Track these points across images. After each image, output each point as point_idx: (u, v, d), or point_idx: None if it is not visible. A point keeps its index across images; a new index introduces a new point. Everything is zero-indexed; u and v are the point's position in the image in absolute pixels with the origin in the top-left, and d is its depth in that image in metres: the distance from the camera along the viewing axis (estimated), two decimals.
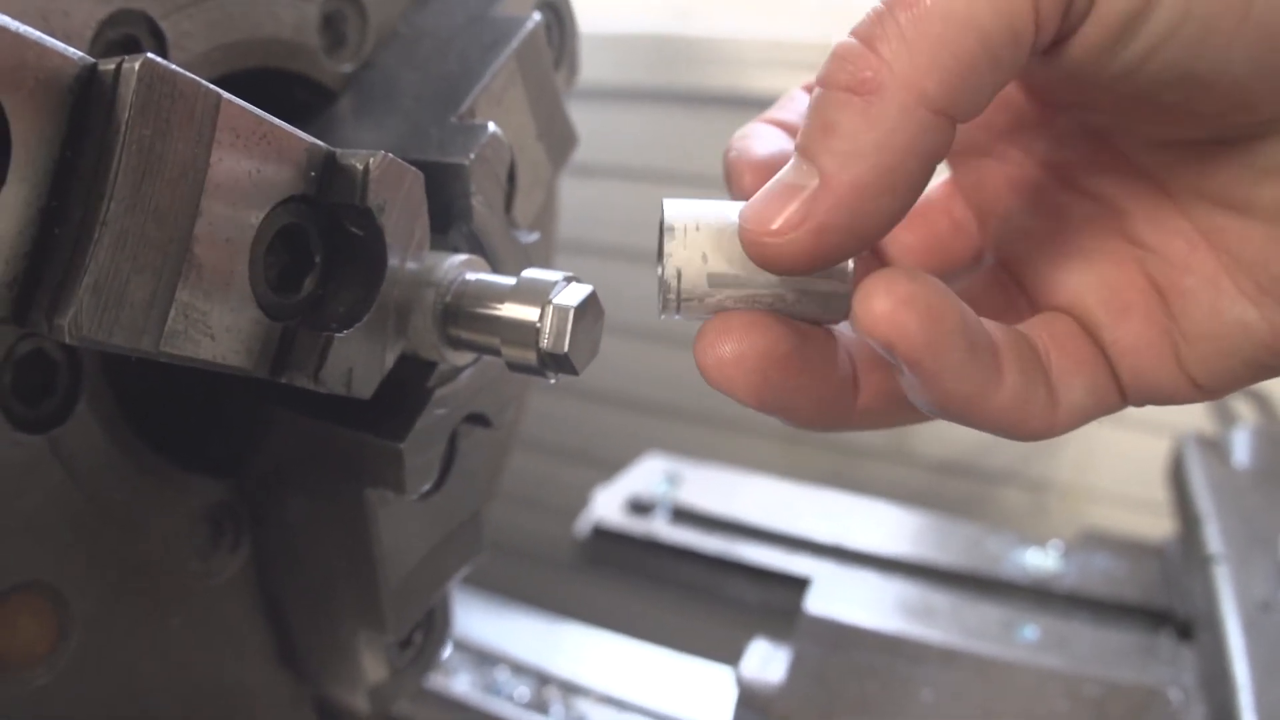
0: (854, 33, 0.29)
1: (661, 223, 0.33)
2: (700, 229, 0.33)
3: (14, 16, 0.32)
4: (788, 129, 0.39)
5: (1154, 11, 0.27)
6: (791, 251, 0.30)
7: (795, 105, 0.40)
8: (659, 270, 0.34)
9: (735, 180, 0.38)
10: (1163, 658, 0.80)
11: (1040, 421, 0.33)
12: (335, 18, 0.52)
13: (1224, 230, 0.32)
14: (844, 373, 0.36)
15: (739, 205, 0.32)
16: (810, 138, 0.29)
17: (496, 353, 0.41)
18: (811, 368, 0.34)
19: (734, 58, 1.34)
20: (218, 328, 0.37)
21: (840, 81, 0.29)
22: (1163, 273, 0.34)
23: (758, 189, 0.32)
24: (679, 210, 0.33)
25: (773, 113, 0.40)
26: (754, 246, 0.31)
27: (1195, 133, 0.32)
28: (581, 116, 0.56)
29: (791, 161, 0.30)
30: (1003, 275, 0.40)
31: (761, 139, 0.38)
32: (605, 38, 1.37)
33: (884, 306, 0.30)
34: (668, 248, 0.33)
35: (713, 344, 0.32)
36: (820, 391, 0.35)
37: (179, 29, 0.45)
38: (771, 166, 0.35)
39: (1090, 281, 0.36)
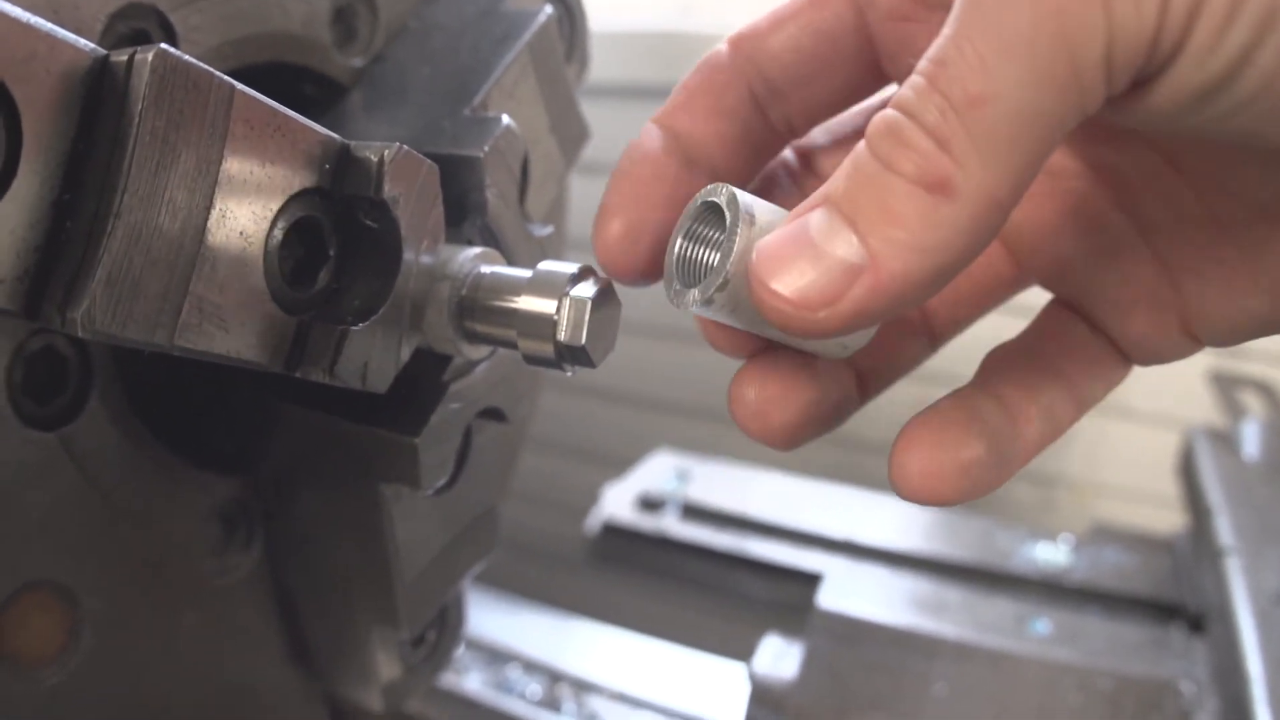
0: (912, 116, 0.27)
1: (728, 207, 0.32)
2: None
3: (25, 8, 0.32)
4: (677, 134, 0.37)
5: (1233, 84, 0.26)
6: (816, 327, 0.29)
7: (701, 90, 0.38)
8: (693, 252, 0.34)
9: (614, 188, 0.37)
10: (1175, 651, 0.80)
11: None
12: (346, 12, 0.52)
13: (1244, 225, 0.32)
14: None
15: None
16: (860, 211, 0.28)
17: (513, 345, 0.41)
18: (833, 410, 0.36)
19: None
20: (232, 321, 0.37)
21: (907, 171, 0.27)
22: (1177, 256, 0.35)
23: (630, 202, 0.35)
24: (749, 203, 0.32)
25: (666, 113, 0.38)
26: (774, 313, 0.29)
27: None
28: (587, 114, 0.56)
29: (826, 222, 0.28)
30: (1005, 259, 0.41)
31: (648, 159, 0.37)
32: (607, 35, 1.37)
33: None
34: (739, 238, 0.31)
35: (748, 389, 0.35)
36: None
37: (189, 23, 0.45)
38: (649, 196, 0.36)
39: (1102, 281, 0.36)
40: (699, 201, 0.33)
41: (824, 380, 0.36)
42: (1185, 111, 0.27)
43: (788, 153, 0.42)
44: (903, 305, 0.28)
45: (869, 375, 0.39)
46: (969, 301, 0.41)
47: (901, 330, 0.40)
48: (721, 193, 0.32)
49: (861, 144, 0.29)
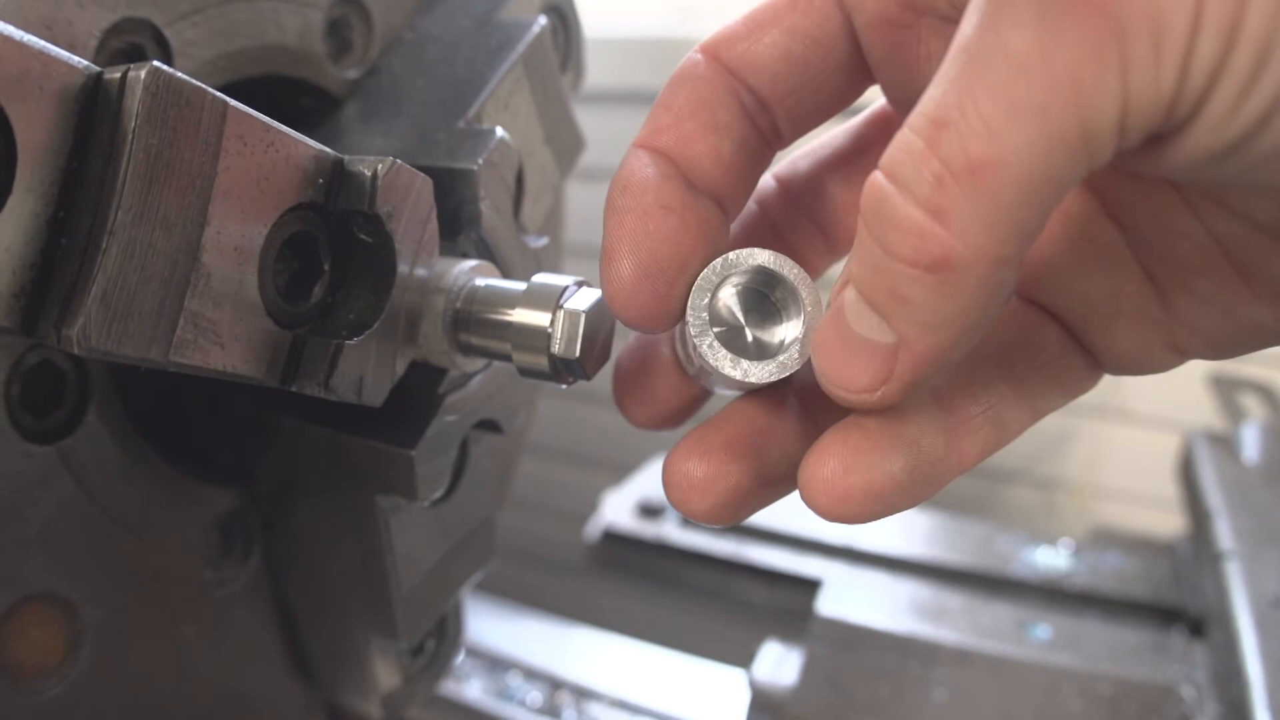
0: (903, 187, 0.26)
1: (803, 290, 0.33)
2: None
3: (18, 25, 0.32)
4: (673, 157, 0.35)
5: (1251, 145, 0.25)
6: (879, 405, 0.30)
7: (680, 105, 0.36)
8: (739, 312, 0.34)
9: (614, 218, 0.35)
10: (1174, 655, 0.79)
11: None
12: (340, 24, 0.52)
13: (1243, 241, 0.31)
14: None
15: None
16: (880, 300, 0.28)
17: (508, 358, 0.41)
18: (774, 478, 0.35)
19: None
20: (227, 336, 0.37)
21: (906, 257, 0.26)
22: (1167, 272, 0.34)
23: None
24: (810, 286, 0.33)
25: (654, 133, 0.36)
26: (843, 402, 0.30)
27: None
28: (584, 120, 0.56)
29: (855, 307, 0.29)
30: None
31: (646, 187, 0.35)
32: (606, 41, 1.37)
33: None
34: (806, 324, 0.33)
35: (683, 461, 0.34)
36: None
37: (183, 37, 0.45)
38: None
39: (1087, 292, 0.35)
40: (751, 262, 0.33)
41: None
42: (1198, 167, 0.27)
43: (768, 180, 0.41)
44: (945, 367, 0.29)
45: None
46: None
47: None
48: (784, 265, 0.33)
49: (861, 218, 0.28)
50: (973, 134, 0.25)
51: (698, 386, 0.39)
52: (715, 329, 0.33)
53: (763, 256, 0.33)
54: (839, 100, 0.38)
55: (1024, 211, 0.25)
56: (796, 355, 0.32)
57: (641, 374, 0.39)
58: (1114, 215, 0.35)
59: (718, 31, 0.36)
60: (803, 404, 0.36)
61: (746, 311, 0.34)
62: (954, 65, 0.26)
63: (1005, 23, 0.25)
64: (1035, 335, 0.36)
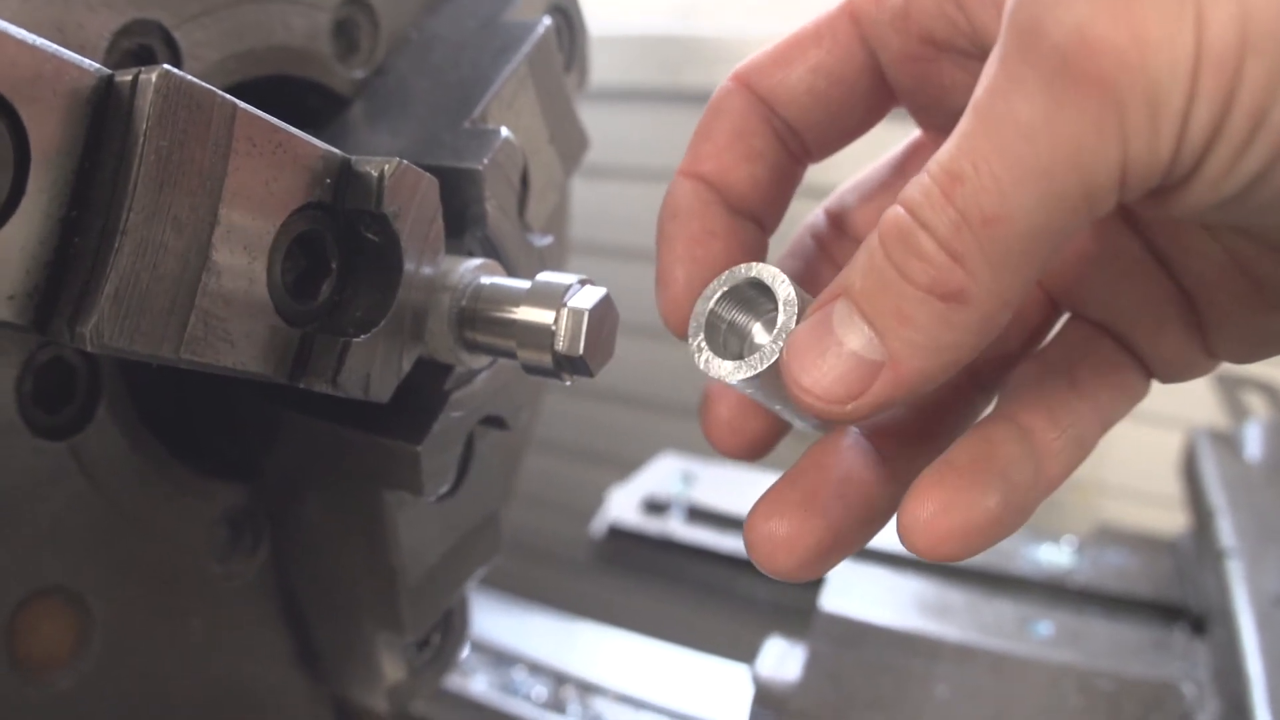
0: (925, 225, 0.28)
1: (782, 301, 0.33)
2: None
3: (29, 28, 0.32)
4: (715, 184, 0.38)
5: (1249, 198, 0.27)
6: (845, 417, 0.31)
7: (723, 128, 0.38)
8: (728, 321, 0.35)
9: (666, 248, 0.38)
10: (1176, 652, 0.80)
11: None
12: (347, 24, 0.53)
13: (1256, 258, 0.33)
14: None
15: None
16: (880, 316, 0.29)
17: (512, 356, 0.41)
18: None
19: (737, 57, 1.33)
20: (237, 334, 0.37)
21: (920, 280, 0.29)
22: (1195, 287, 0.35)
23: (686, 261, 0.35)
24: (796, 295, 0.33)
25: (696, 161, 0.38)
26: (807, 406, 0.31)
27: None
28: (587, 117, 0.56)
29: (846, 317, 0.30)
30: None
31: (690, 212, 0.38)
32: (609, 39, 1.37)
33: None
34: (782, 328, 0.32)
35: (764, 522, 0.34)
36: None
37: (192, 38, 0.46)
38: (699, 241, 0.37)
39: (1128, 303, 0.37)
40: (745, 274, 0.34)
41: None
42: (1199, 216, 0.28)
43: (819, 214, 0.42)
44: (917, 395, 0.30)
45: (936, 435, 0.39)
46: (1015, 350, 0.40)
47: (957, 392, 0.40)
48: (773, 277, 0.33)
49: (874, 238, 0.30)
50: (985, 192, 0.27)
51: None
52: (728, 337, 0.35)
53: (756, 269, 0.34)
54: (863, 125, 0.40)
55: (1028, 259, 0.28)
56: (759, 358, 0.33)
57: (722, 402, 0.40)
58: (1140, 234, 0.36)
59: (748, 61, 0.38)
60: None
61: (751, 322, 0.35)
62: (969, 123, 0.28)
63: (1015, 94, 0.27)
64: (1094, 348, 0.37)
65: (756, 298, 0.35)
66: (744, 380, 0.33)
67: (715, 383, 0.37)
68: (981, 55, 0.29)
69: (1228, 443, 0.97)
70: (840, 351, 0.30)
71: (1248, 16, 0.24)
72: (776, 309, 0.33)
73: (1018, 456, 0.33)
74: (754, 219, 0.39)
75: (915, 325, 0.29)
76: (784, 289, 0.33)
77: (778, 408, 0.36)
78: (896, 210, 0.29)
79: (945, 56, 0.36)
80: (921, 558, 0.32)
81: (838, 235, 0.42)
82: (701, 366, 0.34)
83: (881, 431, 0.37)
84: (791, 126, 0.38)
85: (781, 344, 0.32)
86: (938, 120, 0.39)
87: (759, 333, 0.35)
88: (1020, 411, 0.34)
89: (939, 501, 0.31)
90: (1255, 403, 1.10)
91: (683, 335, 0.36)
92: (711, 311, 0.34)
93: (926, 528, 0.31)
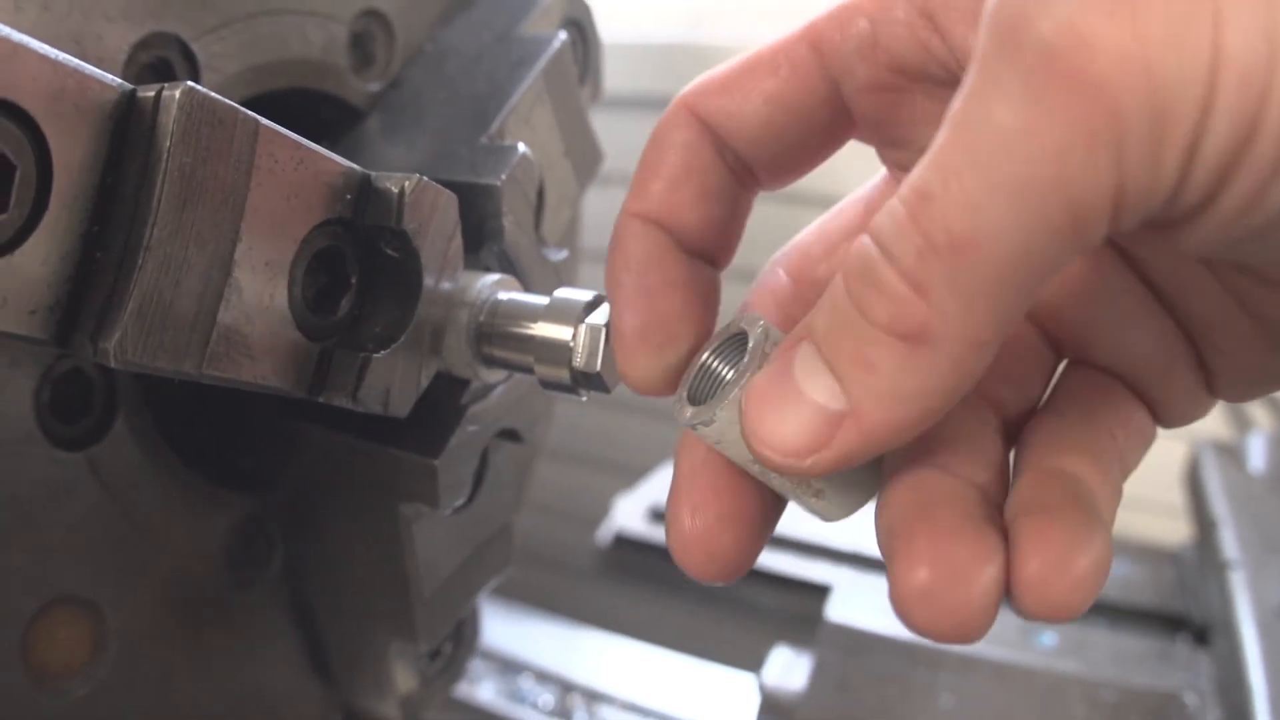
0: (888, 254, 0.25)
1: (750, 342, 0.31)
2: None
3: (48, 40, 0.32)
4: (666, 226, 0.35)
5: (1276, 234, 0.24)
6: (804, 473, 0.28)
7: (666, 165, 0.35)
8: (712, 372, 0.33)
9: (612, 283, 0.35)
10: (1179, 663, 0.80)
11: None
12: (363, 37, 0.53)
13: (1258, 297, 0.30)
14: None
15: None
16: (838, 358, 0.27)
17: (529, 371, 0.42)
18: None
19: None
20: (258, 349, 0.37)
21: (880, 319, 0.25)
22: (1197, 328, 0.33)
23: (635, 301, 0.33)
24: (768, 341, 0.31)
25: (644, 201, 0.35)
26: (765, 460, 0.28)
27: None
28: (597, 125, 0.56)
29: (808, 363, 0.27)
30: (1027, 326, 0.37)
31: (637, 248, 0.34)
32: (617, 47, 1.37)
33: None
34: (738, 380, 0.31)
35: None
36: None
37: (210, 51, 0.46)
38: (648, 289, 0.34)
39: (1138, 346, 0.34)
40: (735, 326, 0.33)
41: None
42: (1207, 253, 0.26)
43: (778, 275, 0.39)
44: (888, 448, 0.27)
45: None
46: (1025, 385, 0.37)
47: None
48: (751, 323, 0.32)
49: (839, 277, 0.27)
50: (954, 210, 0.24)
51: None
52: (712, 389, 0.33)
53: (744, 321, 0.32)
54: (820, 156, 0.37)
55: (1005, 292, 0.24)
56: (714, 403, 0.31)
57: (691, 511, 0.34)
58: (1138, 272, 0.34)
59: (695, 85, 0.35)
60: None
61: (732, 373, 0.33)
62: (942, 137, 0.24)
63: (993, 97, 0.23)
64: (1108, 395, 0.35)
65: (743, 349, 0.33)
66: (703, 426, 0.31)
67: (681, 471, 0.34)
68: (957, 83, 0.25)
69: (1231, 454, 0.98)
70: (800, 400, 0.27)
71: (1276, 21, 0.21)
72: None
73: (1094, 494, 0.30)
74: (707, 258, 0.36)
75: (876, 370, 0.25)
76: (756, 333, 0.31)
77: (756, 469, 0.33)
78: (862, 240, 0.26)
79: (917, 87, 0.33)
80: (1043, 619, 0.27)
81: (798, 298, 0.38)
82: (673, 415, 0.32)
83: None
84: (741, 157, 0.35)
85: (740, 389, 0.30)
86: (906, 157, 0.36)
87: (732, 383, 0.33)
88: (1063, 458, 0.31)
89: (1055, 548, 0.27)
90: (1259, 415, 1.10)
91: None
92: (701, 364, 0.33)
93: (1046, 581, 0.27)
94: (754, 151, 0.35)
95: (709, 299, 0.35)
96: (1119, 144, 0.22)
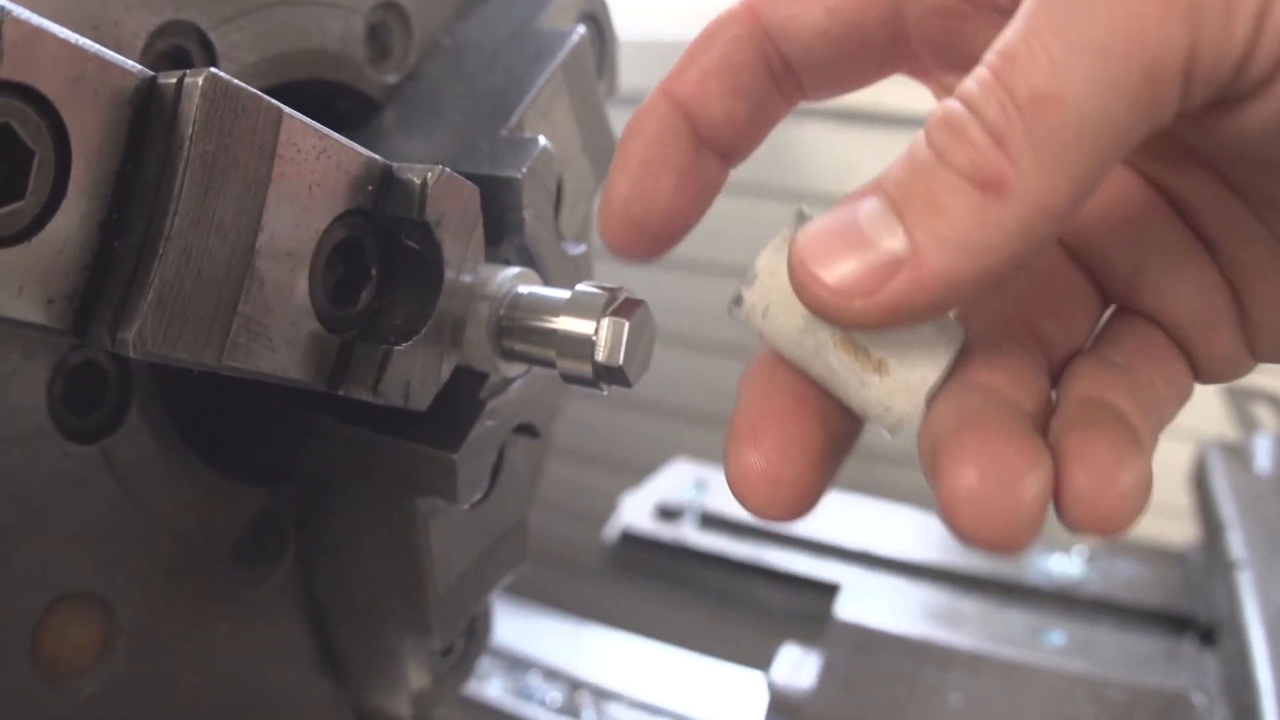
0: (973, 109, 0.26)
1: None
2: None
3: (66, 25, 0.32)
4: (689, 112, 0.35)
5: None
6: (851, 317, 0.28)
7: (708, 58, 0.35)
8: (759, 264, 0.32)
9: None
10: (1186, 663, 0.80)
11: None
12: (380, 29, 0.52)
13: None
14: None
15: None
16: (909, 201, 0.27)
17: (551, 365, 0.41)
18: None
19: None
20: (278, 340, 0.37)
21: (959, 164, 0.26)
22: (1239, 276, 0.33)
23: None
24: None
25: (677, 83, 0.35)
26: (809, 295, 0.28)
27: None
28: (611, 122, 0.56)
29: (876, 210, 0.27)
30: (1075, 270, 0.38)
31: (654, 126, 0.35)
32: (629, 43, 1.37)
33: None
34: (779, 237, 0.31)
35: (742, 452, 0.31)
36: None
37: (228, 40, 0.45)
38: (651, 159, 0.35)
39: (1184, 295, 0.34)
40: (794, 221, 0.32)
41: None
42: (1269, 146, 0.26)
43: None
44: (943, 306, 0.27)
45: None
46: (1071, 325, 0.37)
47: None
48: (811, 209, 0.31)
49: (920, 133, 0.27)
50: (1037, 67, 0.25)
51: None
52: None
53: (804, 208, 0.32)
54: (870, 77, 0.37)
55: (1081, 156, 0.25)
56: (765, 252, 0.31)
57: (753, 443, 0.32)
58: (1187, 220, 0.34)
59: None
60: None
61: None
62: (1027, 5, 0.26)
63: None
64: (1151, 343, 0.35)
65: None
66: (745, 289, 0.30)
67: (745, 380, 0.33)
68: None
69: (1237, 455, 0.98)
70: (859, 241, 0.27)
71: None
72: None
73: (1136, 426, 0.30)
74: (720, 152, 0.36)
75: (945, 215, 0.26)
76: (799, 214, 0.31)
77: (808, 345, 0.31)
78: (947, 100, 0.27)
79: (981, 14, 0.33)
80: (1090, 532, 0.28)
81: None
82: (730, 314, 0.32)
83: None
84: (791, 65, 0.35)
85: (783, 237, 0.29)
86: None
87: None
88: (1105, 394, 0.31)
89: (1102, 462, 0.28)
90: (1265, 415, 1.10)
91: (612, 247, 0.36)
92: (760, 266, 0.32)
93: (1093, 493, 0.27)
94: (805, 59, 0.35)
95: (703, 192, 0.36)
96: (1192, 5, 0.23)
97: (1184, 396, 0.35)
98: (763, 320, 0.32)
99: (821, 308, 0.28)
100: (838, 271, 0.27)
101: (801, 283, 0.28)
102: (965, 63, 0.34)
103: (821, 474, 0.31)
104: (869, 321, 0.27)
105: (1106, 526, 0.28)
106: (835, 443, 0.32)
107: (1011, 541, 0.27)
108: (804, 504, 0.31)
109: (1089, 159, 0.25)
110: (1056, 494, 0.28)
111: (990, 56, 0.26)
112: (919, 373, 0.31)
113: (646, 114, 0.36)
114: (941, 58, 0.36)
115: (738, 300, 0.32)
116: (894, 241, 0.27)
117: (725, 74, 0.35)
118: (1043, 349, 0.35)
